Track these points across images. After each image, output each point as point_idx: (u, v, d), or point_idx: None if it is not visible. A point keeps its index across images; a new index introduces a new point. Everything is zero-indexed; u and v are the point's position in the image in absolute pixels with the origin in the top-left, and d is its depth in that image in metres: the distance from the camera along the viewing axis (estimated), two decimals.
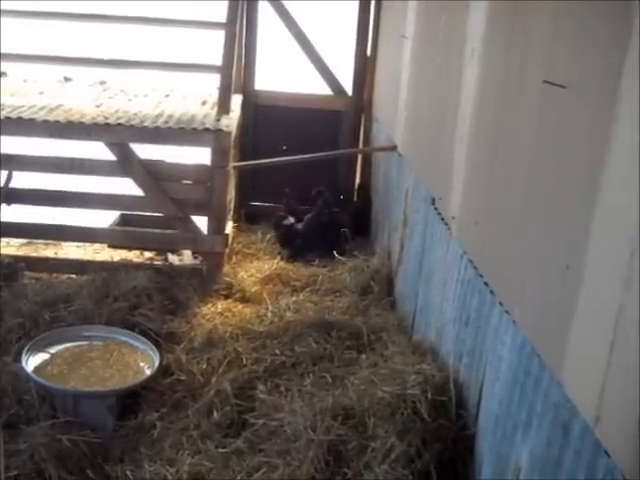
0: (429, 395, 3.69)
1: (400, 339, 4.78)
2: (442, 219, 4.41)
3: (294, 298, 5.71)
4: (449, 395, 3.70)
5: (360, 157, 7.90)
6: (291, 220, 7.13)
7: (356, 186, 7.92)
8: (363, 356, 4.69)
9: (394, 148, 6.07)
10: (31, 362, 4.55)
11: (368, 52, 7.68)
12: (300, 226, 7.03)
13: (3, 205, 6.25)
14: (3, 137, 6.20)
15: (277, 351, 4.84)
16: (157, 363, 4.65)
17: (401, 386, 3.80)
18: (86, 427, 4.25)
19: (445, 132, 4.38)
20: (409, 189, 5.44)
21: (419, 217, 5.03)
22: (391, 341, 4.76)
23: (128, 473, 3.90)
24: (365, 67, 7.67)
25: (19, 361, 4.58)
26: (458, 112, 4.13)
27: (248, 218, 7.66)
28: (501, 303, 3.23)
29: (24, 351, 4.60)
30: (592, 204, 2.33)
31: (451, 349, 3.97)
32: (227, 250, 6.44)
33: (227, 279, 6.15)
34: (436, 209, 4.58)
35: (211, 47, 7.45)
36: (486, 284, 3.46)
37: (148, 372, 4.62)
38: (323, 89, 7.86)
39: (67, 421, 4.24)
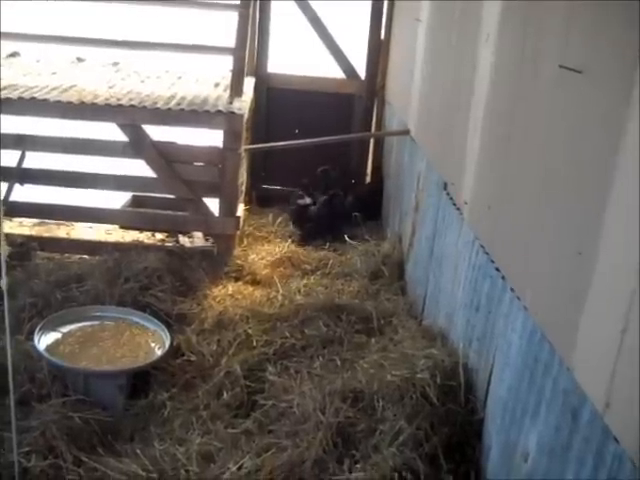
0: (438, 379, 3.70)
1: (410, 324, 4.79)
2: (454, 204, 4.40)
3: (304, 281, 5.72)
4: (458, 380, 3.71)
5: (372, 141, 7.87)
6: (307, 201, 7.12)
7: (368, 170, 7.90)
8: (373, 340, 4.70)
9: (407, 132, 6.05)
10: (43, 341, 4.59)
11: (382, 36, 7.63)
12: (314, 209, 7.02)
13: (16, 185, 6.28)
14: (16, 117, 6.23)
15: (287, 334, 4.85)
16: (168, 344, 4.68)
17: (410, 370, 3.81)
18: (97, 406, 4.28)
19: (458, 117, 4.35)
20: (421, 173, 5.43)
21: (431, 202, 5.02)
22: (401, 325, 4.78)
23: (138, 451, 3.93)
24: (378, 51, 7.63)
25: (32, 340, 4.62)
26: (472, 97, 4.11)
27: (259, 201, 7.68)
28: (512, 289, 3.23)
29: (36, 330, 4.63)
30: (606, 190, 2.32)
31: (461, 334, 3.97)
32: (238, 232, 6.45)
33: (238, 261, 6.18)
34: (448, 194, 4.56)
35: (224, 29, 7.44)
36: (497, 270, 3.46)
37: (159, 352, 4.65)
38: (336, 73, 7.84)
39: (78, 399, 4.27)
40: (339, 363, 4.44)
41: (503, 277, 3.38)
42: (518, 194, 3.27)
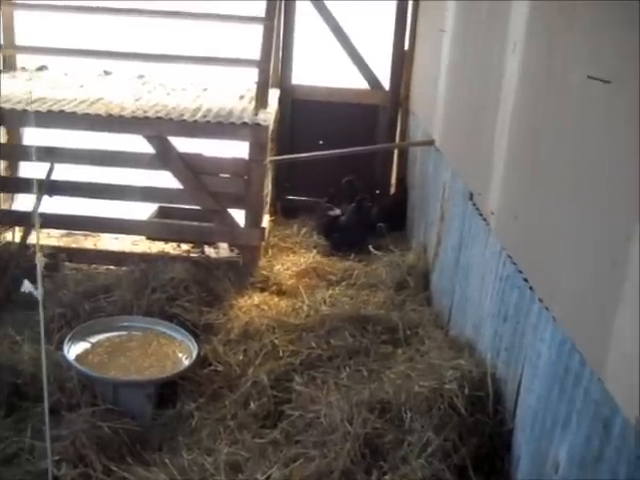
0: (466, 390, 3.68)
1: (436, 334, 4.78)
2: (480, 214, 4.39)
3: (330, 292, 5.74)
4: (486, 391, 3.69)
5: (396, 152, 7.89)
6: (337, 212, 7.15)
7: (392, 181, 7.91)
8: (399, 351, 4.69)
9: (431, 143, 6.05)
10: (73, 351, 4.64)
11: (405, 46, 7.66)
12: (344, 218, 7.04)
13: (45, 197, 6.36)
14: (45, 130, 6.33)
15: (313, 344, 4.86)
16: (195, 354, 4.71)
17: (438, 381, 3.80)
18: (125, 415, 4.32)
19: (484, 127, 4.35)
20: (446, 184, 5.43)
21: (456, 212, 5.02)
22: (427, 336, 4.76)
23: (167, 461, 3.95)
24: (402, 61, 7.66)
25: (61, 350, 4.67)
26: (498, 107, 4.11)
27: (284, 212, 7.71)
28: (541, 299, 3.21)
29: (66, 340, 4.69)
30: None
31: (489, 345, 3.95)
32: (263, 243, 6.49)
33: (263, 272, 6.21)
34: (474, 204, 4.56)
35: (247, 42, 7.51)
36: (525, 280, 3.44)
37: (186, 362, 4.67)
38: (360, 83, 7.87)
39: (107, 409, 4.31)
40: (366, 374, 4.44)
41: (531, 288, 3.37)
42: (547, 204, 3.26)
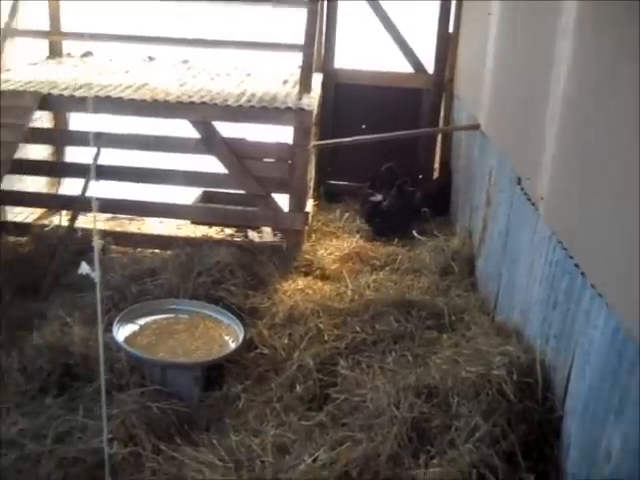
0: (515, 376, 3.65)
1: (482, 320, 4.74)
2: (529, 199, 4.33)
3: (374, 277, 5.74)
4: (535, 377, 3.65)
5: (440, 136, 7.82)
6: (379, 197, 7.13)
7: (436, 165, 7.85)
8: (444, 336, 4.67)
9: (477, 127, 5.99)
10: (121, 333, 4.72)
11: (450, 29, 7.56)
12: (386, 203, 7.02)
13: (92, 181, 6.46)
14: (92, 115, 6.41)
15: (358, 328, 4.87)
16: (241, 337, 4.76)
17: (486, 367, 3.77)
18: (173, 396, 4.39)
19: (534, 111, 4.28)
20: (493, 168, 5.36)
21: (503, 197, 4.96)
22: (473, 322, 4.74)
23: (214, 441, 4.01)
24: (447, 44, 7.56)
25: (110, 331, 4.75)
26: (549, 90, 4.03)
27: (327, 196, 7.71)
28: (593, 285, 3.16)
29: (115, 322, 4.77)
30: None
31: (537, 331, 3.91)
32: (307, 228, 6.51)
33: (307, 256, 6.23)
34: (522, 189, 4.50)
35: (290, 26, 7.50)
36: (577, 266, 3.39)
37: (233, 346, 4.73)
38: (403, 67, 7.81)
39: (155, 390, 4.38)
40: (411, 358, 4.43)
41: (583, 273, 3.31)
42: (600, 187, 3.20)
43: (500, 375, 3.66)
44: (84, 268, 2.70)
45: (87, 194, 6.30)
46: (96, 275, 2.68)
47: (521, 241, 4.44)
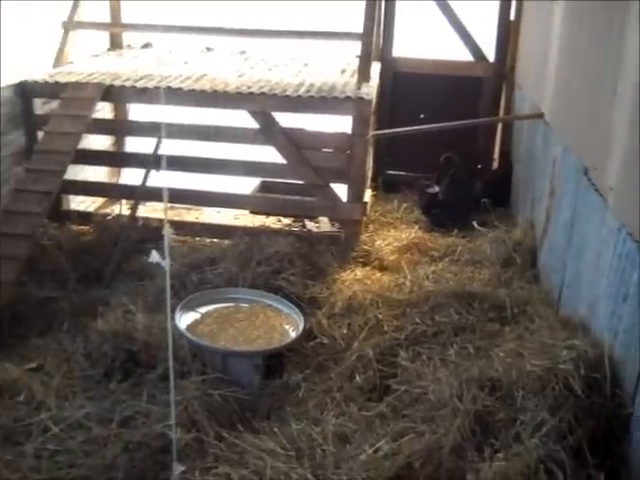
0: (582, 371, 3.55)
1: (546, 313, 4.64)
2: (596, 190, 4.22)
3: (433, 268, 5.68)
4: (603, 372, 3.56)
5: (500, 125, 7.68)
6: (436, 188, 7.06)
7: (495, 155, 7.72)
8: (507, 328, 4.60)
9: (540, 116, 5.86)
10: (183, 320, 4.79)
11: (512, 17, 7.42)
12: (441, 194, 6.96)
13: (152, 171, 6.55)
14: (152, 105, 6.50)
15: (417, 320, 4.83)
16: (301, 326, 4.78)
17: (552, 360, 3.69)
18: (234, 384, 4.44)
19: (602, 100, 4.16)
20: (557, 158, 5.24)
21: (569, 187, 4.84)
22: (536, 314, 4.64)
23: (275, 429, 4.04)
24: (508, 32, 7.42)
25: (172, 319, 4.81)
26: (618, 79, 3.92)
27: (385, 187, 7.67)
28: None
29: (177, 310, 4.83)
30: None
31: (605, 325, 3.81)
32: (365, 218, 6.48)
33: (365, 247, 6.22)
34: (589, 179, 4.38)
35: (346, 15, 7.46)
36: None
37: (293, 335, 4.75)
38: (463, 55, 7.69)
39: (217, 377, 4.44)
40: (472, 351, 4.38)
41: None
42: None
43: (567, 369, 3.57)
44: (154, 257, 2.72)
45: (148, 184, 6.42)
46: (166, 264, 2.71)
47: (587, 233, 4.33)
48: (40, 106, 6.60)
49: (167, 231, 2.75)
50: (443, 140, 7.21)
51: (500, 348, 4.22)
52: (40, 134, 6.32)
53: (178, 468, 2.90)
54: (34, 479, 3.68)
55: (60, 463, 3.82)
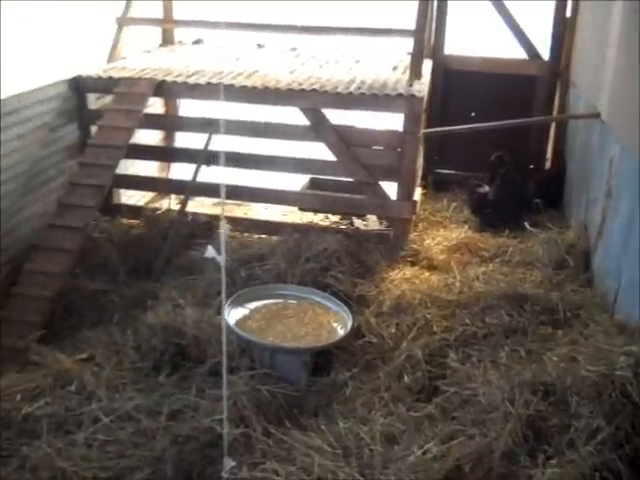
0: None
1: (601, 317, 4.53)
2: None
3: (483, 268, 5.60)
4: None
5: (554, 124, 7.53)
6: (486, 188, 6.96)
7: (548, 155, 7.58)
8: (560, 332, 4.51)
9: (597, 115, 5.72)
10: (232, 316, 4.80)
11: (568, 13, 7.26)
12: (491, 194, 6.85)
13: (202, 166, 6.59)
14: (203, 101, 6.54)
15: (467, 321, 4.77)
16: (350, 325, 4.75)
17: (608, 366, 3.60)
18: (282, 380, 4.44)
19: None
20: (614, 158, 5.11)
21: (626, 188, 4.71)
22: (591, 319, 4.54)
23: (323, 427, 4.02)
24: (564, 29, 7.27)
25: (220, 314, 4.84)
26: None
27: (435, 185, 7.59)
28: None
29: (226, 305, 4.83)
30: None
31: None
32: (414, 217, 6.42)
33: (413, 246, 6.17)
34: None
35: (395, 13, 7.39)
36: None
37: (341, 332, 4.73)
38: (516, 53, 7.56)
39: (265, 373, 4.44)
40: (524, 354, 4.31)
41: None
42: None
43: (625, 376, 3.48)
44: (210, 252, 2.73)
45: (198, 179, 6.46)
46: (221, 259, 2.72)
47: None
48: (94, 101, 6.70)
49: (224, 226, 2.76)
50: (494, 139, 7.11)
51: (553, 352, 4.14)
52: (93, 128, 6.41)
53: (229, 463, 2.90)
54: (85, 467, 3.73)
55: (110, 453, 3.86)
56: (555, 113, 7.45)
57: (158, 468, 3.76)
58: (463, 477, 3.51)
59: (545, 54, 7.48)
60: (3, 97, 5.37)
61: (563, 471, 3.23)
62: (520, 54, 7.56)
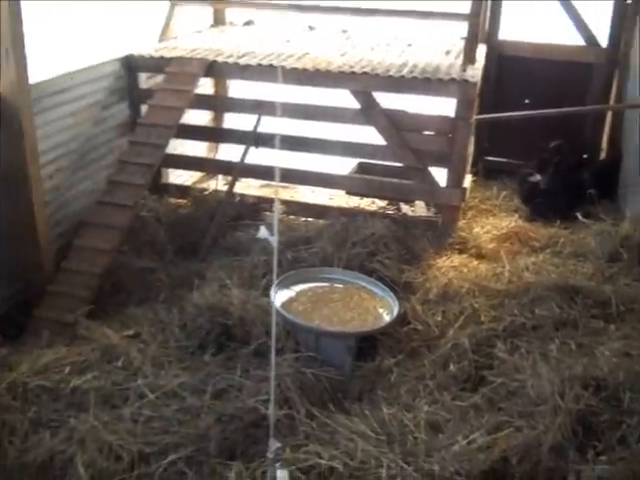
0: None
1: None
2: None
3: (533, 259, 5.49)
4: None
5: (610, 113, 7.33)
6: (538, 177, 6.82)
7: (603, 144, 7.39)
8: (612, 326, 4.41)
9: None
10: (278, 298, 4.79)
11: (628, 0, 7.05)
12: (543, 183, 6.71)
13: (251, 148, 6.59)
14: (253, 82, 6.52)
15: (516, 311, 4.69)
16: (396, 311, 4.71)
17: None
18: (326, 364, 4.42)
19: None
20: None
21: None
22: None
23: (367, 412, 4.00)
24: (624, 16, 7.04)
25: (266, 295, 4.84)
26: None
27: (485, 173, 7.46)
28: None
29: (272, 287, 4.84)
30: None
31: None
32: (463, 204, 6.33)
33: (462, 234, 6.09)
34: None
35: None
36: None
37: (387, 318, 4.69)
38: (572, 39, 7.37)
39: (310, 356, 4.43)
40: (574, 347, 4.23)
41: None
42: None
43: None
44: (263, 232, 2.71)
45: (246, 161, 6.46)
46: (274, 240, 2.70)
47: None
48: (145, 80, 6.74)
49: (277, 208, 2.73)
50: (547, 127, 6.95)
51: (605, 346, 4.07)
52: (144, 107, 6.45)
53: (274, 444, 2.89)
54: (130, 442, 3.76)
55: (155, 429, 3.89)
56: (612, 102, 7.24)
57: (202, 446, 3.77)
58: (509, 469, 3.46)
59: (603, 41, 7.27)
60: (56, 75, 5.43)
61: (613, 468, 3.16)
62: (577, 40, 7.37)
